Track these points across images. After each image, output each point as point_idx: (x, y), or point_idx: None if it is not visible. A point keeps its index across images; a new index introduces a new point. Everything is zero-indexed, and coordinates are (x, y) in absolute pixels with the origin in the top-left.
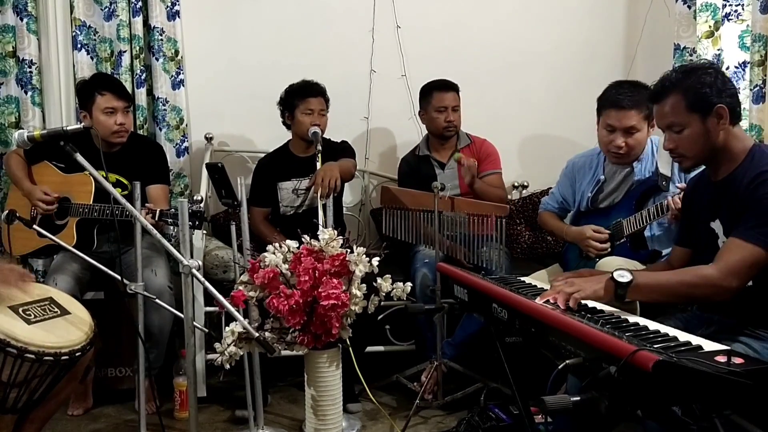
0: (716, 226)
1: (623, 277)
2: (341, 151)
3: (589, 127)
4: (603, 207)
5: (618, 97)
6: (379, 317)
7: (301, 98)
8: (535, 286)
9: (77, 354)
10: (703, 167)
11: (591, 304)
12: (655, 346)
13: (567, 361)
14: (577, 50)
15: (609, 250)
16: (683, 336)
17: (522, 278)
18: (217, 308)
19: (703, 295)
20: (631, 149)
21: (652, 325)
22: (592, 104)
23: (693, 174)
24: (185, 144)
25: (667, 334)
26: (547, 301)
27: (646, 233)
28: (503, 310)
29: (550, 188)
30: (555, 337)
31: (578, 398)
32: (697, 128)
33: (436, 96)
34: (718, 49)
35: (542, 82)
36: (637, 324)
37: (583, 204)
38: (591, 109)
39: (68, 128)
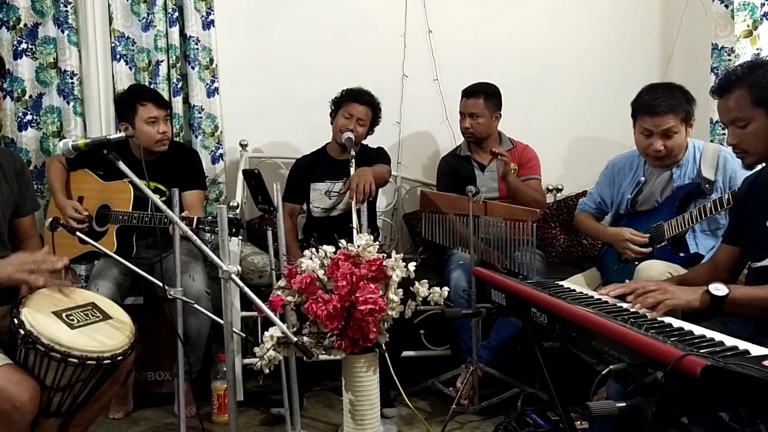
0: None
1: (719, 290)
2: (376, 156)
3: (626, 128)
4: (643, 210)
5: (652, 103)
6: (416, 321)
7: (346, 102)
8: (574, 290)
9: (119, 358)
10: (762, 165)
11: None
12: (702, 350)
13: (611, 367)
14: (613, 51)
15: (648, 253)
16: (729, 341)
17: (559, 282)
18: (254, 313)
19: None
20: (671, 151)
21: (697, 330)
22: (629, 105)
23: (745, 175)
24: (220, 151)
25: (713, 339)
26: (622, 307)
27: (688, 237)
28: (543, 315)
29: (586, 191)
30: (597, 342)
31: (623, 404)
32: (762, 123)
33: (461, 101)
34: (757, 49)
35: (577, 83)
36: (681, 328)
37: (622, 206)
38: (628, 110)
39: (111, 137)
